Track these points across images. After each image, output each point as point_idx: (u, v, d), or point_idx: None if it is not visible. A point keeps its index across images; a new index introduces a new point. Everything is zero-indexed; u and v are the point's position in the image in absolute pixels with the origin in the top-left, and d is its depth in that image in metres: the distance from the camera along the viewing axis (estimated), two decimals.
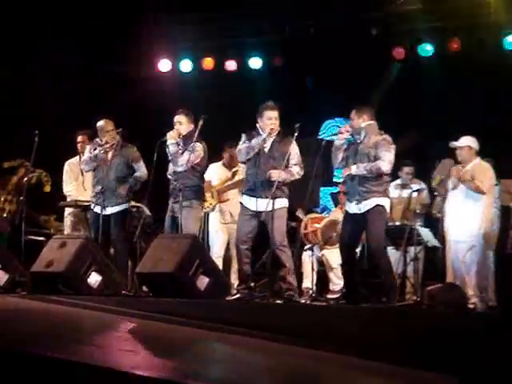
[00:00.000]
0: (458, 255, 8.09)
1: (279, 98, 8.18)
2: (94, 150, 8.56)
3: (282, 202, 7.72)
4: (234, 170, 9.03)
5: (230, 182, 9.04)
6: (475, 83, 10.32)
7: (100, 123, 8.64)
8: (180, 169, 8.08)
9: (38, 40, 10.98)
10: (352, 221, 7.66)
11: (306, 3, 10.94)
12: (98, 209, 8.40)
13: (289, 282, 7.64)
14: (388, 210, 7.70)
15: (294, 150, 7.76)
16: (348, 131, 7.67)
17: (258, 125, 7.84)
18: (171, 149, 8.12)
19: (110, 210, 8.41)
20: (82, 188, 9.30)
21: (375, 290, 7.99)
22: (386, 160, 7.49)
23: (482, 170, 8.12)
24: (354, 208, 7.60)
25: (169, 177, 8.24)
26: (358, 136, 7.64)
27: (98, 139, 8.62)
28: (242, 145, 7.82)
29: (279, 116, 7.80)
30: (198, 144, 8.11)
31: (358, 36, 10.90)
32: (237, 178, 8.99)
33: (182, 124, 8.20)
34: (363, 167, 7.50)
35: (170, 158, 8.16)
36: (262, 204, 7.59)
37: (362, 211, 7.53)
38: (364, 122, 7.63)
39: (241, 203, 7.89)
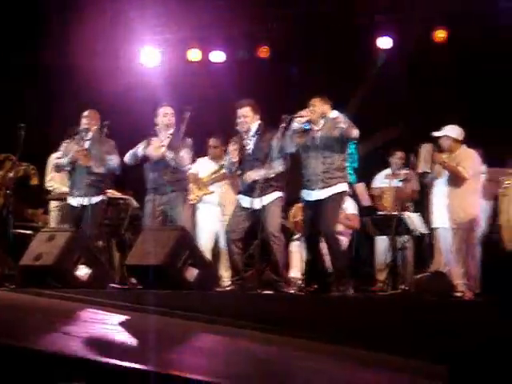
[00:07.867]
0: (445, 243, 8.11)
1: (265, 88, 8.17)
2: None
3: (274, 195, 7.69)
4: (222, 163, 9.00)
5: (216, 175, 9.03)
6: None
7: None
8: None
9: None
10: (314, 207, 7.59)
11: None
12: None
13: (277, 273, 7.67)
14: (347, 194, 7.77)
15: (273, 143, 7.66)
16: (308, 116, 7.58)
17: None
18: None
19: None
20: (65, 181, 9.24)
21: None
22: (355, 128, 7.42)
23: (466, 157, 8.13)
24: (315, 194, 7.54)
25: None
26: (315, 124, 7.60)
27: None
28: (229, 160, 7.87)
29: (254, 111, 7.75)
30: (189, 140, 8.12)
31: (342, 25, 10.91)
32: (223, 170, 8.97)
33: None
34: (342, 119, 7.41)
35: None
36: (254, 202, 7.57)
37: (325, 196, 7.50)
38: (326, 111, 7.60)
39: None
